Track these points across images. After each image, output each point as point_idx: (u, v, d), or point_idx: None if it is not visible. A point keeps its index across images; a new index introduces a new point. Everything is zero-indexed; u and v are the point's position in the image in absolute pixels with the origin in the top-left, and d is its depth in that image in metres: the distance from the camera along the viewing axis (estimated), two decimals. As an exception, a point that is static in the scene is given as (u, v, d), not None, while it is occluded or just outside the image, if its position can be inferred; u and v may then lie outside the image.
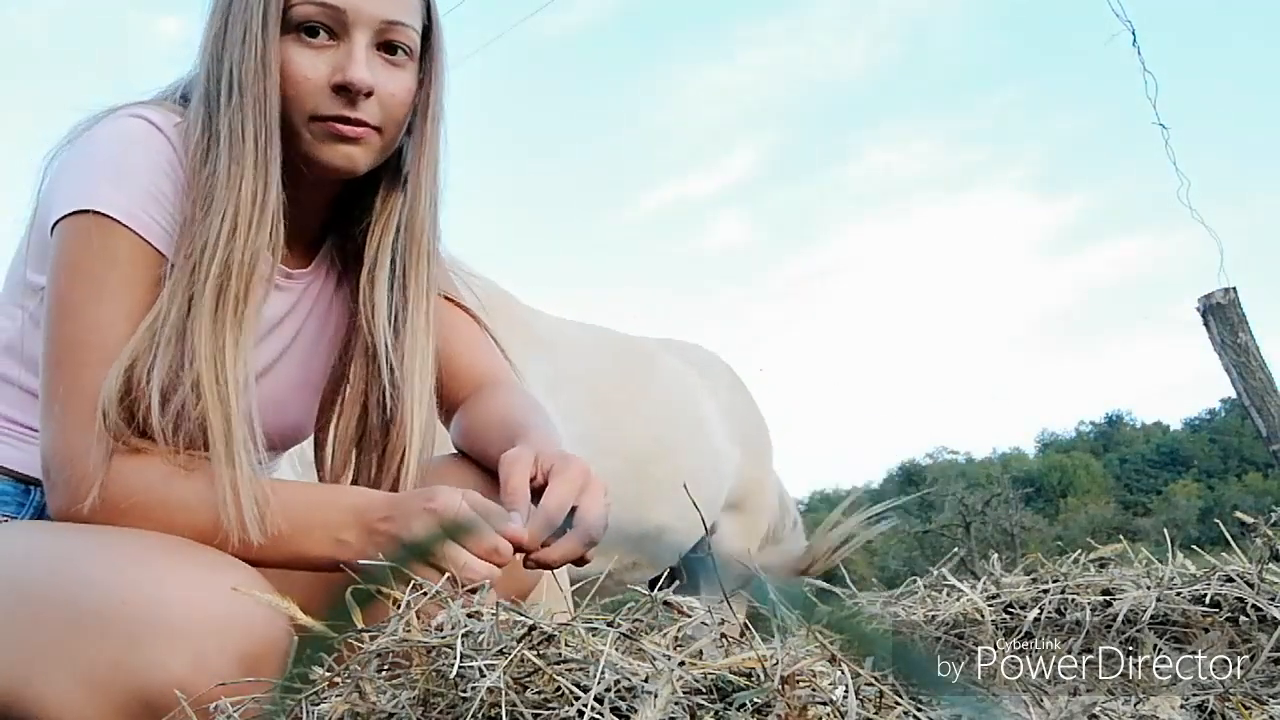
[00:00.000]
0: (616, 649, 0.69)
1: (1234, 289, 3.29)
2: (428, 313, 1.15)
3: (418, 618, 0.75)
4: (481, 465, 1.12)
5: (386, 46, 1.07)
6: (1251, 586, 0.96)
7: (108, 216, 0.99)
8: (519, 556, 0.94)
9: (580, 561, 0.97)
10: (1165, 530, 1.28)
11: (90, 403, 0.94)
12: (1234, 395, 3.31)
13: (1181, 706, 0.83)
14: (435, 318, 1.17)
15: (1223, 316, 3.26)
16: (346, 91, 1.04)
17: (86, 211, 0.99)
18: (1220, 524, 1.22)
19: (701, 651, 0.70)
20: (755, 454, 3.18)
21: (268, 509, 0.95)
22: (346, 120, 1.05)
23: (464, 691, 0.67)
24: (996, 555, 1.12)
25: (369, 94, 1.04)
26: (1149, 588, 0.98)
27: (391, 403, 1.12)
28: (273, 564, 0.96)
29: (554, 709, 0.66)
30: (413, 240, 1.14)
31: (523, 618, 0.72)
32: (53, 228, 1.01)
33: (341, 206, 1.17)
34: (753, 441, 3.19)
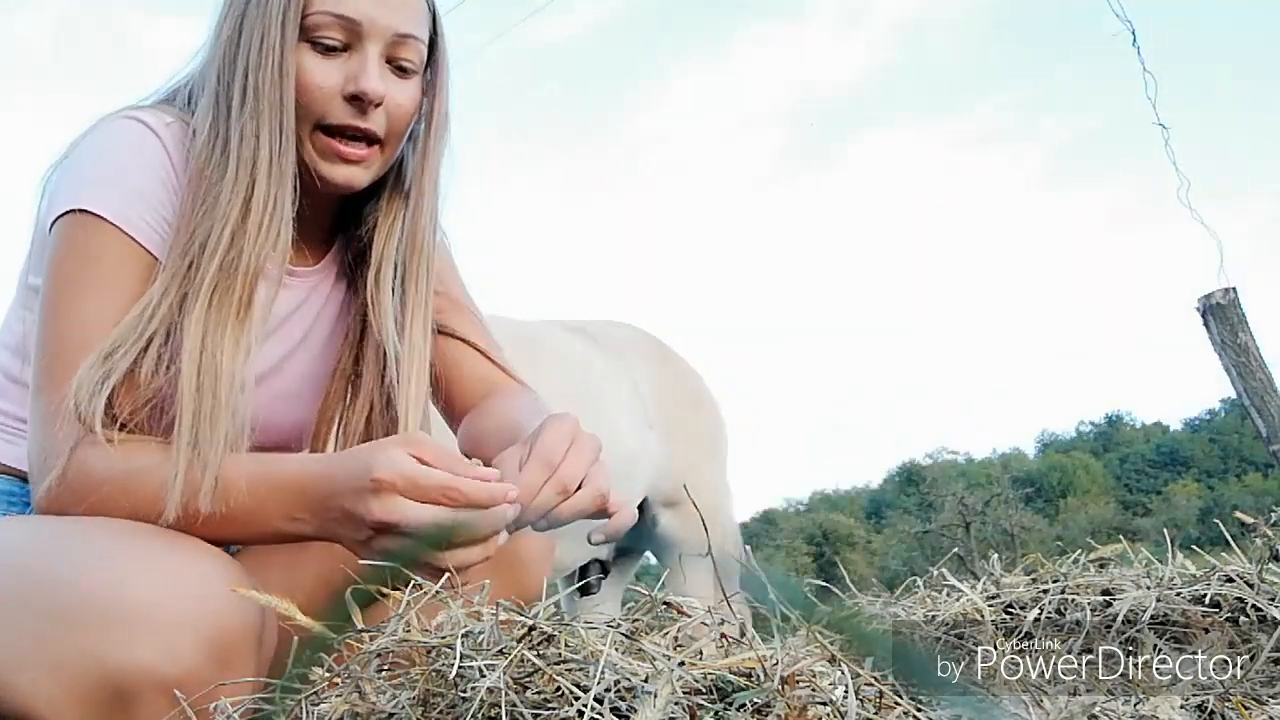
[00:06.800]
0: (616, 649, 0.69)
1: (1234, 289, 3.29)
2: (425, 319, 1.15)
3: (418, 618, 0.75)
4: None
5: (395, 58, 1.08)
6: (1251, 586, 0.96)
7: (97, 215, 1.00)
8: (525, 523, 0.91)
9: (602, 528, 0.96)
10: (1165, 530, 1.28)
11: (63, 394, 0.94)
12: (1234, 395, 3.31)
13: (1181, 706, 0.83)
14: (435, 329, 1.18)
15: (1223, 316, 3.26)
16: (359, 101, 1.05)
17: (77, 211, 1.00)
18: (1220, 524, 1.22)
19: (701, 651, 0.70)
20: (687, 438, 2.97)
21: (227, 490, 0.92)
22: (356, 131, 1.06)
23: (464, 691, 0.67)
24: (996, 555, 1.12)
25: (378, 104, 1.06)
26: (1149, 588, 0.98)
27: (393, 406, 1.13)
28: (235, 541, 0.97)
29: (554, 709, 0.66)
30: (414, 248, 1.15)
31: (523, 618, 0.72)
32: (50, 229, 1.03)
33: (350, 206, 1.18)
34: (682, 424, 2.98)
